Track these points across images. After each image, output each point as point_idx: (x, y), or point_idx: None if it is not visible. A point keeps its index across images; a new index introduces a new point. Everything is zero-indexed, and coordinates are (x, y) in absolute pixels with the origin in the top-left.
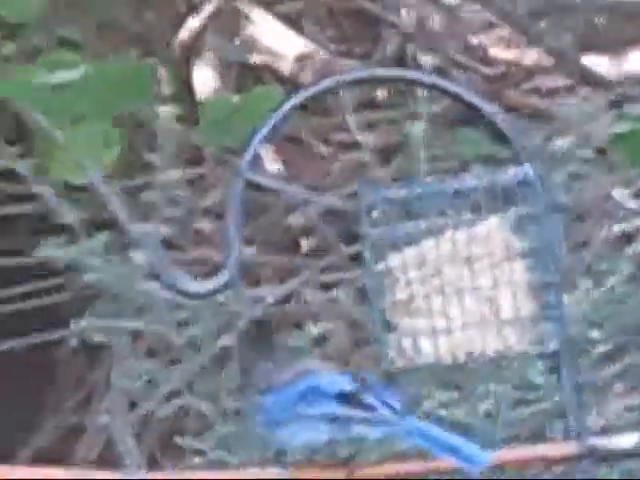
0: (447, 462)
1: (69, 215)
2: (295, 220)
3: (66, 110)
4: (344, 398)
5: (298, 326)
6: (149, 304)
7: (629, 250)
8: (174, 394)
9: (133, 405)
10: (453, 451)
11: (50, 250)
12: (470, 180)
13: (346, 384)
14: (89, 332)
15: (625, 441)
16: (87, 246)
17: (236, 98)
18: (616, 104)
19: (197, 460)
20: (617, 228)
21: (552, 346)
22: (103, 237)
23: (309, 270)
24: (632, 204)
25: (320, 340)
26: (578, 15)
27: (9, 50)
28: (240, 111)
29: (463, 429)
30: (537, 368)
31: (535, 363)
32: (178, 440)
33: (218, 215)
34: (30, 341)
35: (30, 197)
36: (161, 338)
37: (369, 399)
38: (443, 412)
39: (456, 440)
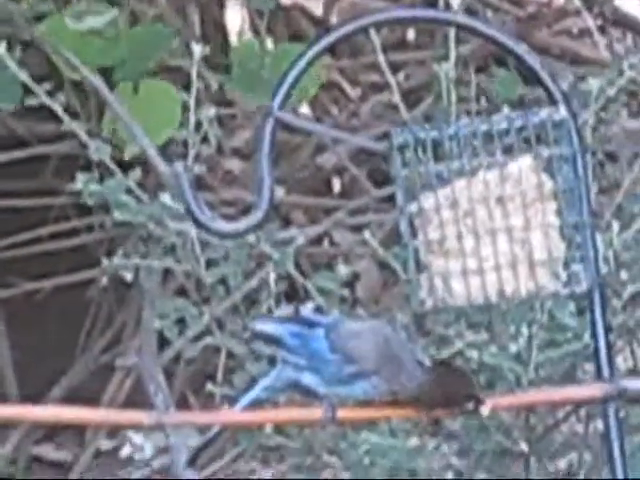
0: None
1: (101, 153)
2: (326, 160)
3: (99, 57)
4: None
5: (329, 267)
6: (179, 243)
7: None
8: (204, 334)
9: (163, 345)
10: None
11: (82, 185)
12: (501, 121)
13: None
14: (120, 271)
15: None
16: (119, 184)
17: (270, 45)
18: None
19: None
20: None
21: (583, 287)
22: (134, 175)
23: (340, 211)
24: None
25: (350, 282)
26: None
27: None
28: (273, 61)
29: (492, 370)
30: (568, 309)
31: (566, 304)
32: (208, 385)
33: (248, 156)
34: (60, 281)
35: (61, 136)
36: (191, 277)
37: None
38: (473, 353)
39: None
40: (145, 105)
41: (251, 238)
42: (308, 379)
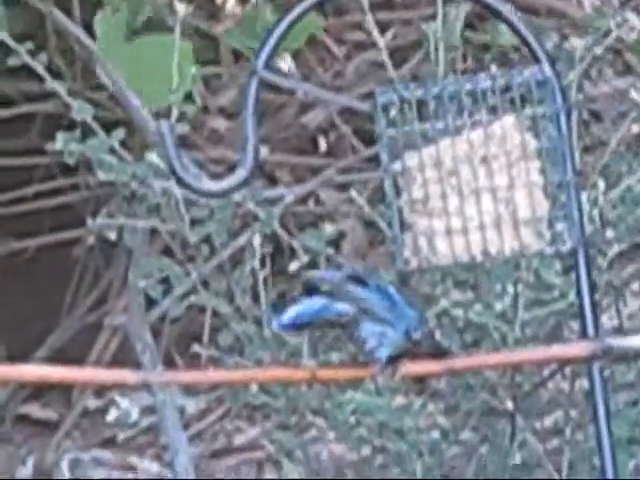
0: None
1: (84, 112)
2: (310, 120)
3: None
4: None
5: (314, 226)
6: (164, 202)
7: None
8: (189, 293)
9: (150, 305)
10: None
11: (62, 144)
12: (486, 80)
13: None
14: (105, 231)
15: None
16: (101, 143)
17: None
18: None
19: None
20: (634, 128)
21: (568, 246)
22: (119, 135)
23: (326, 170)
24: None
25: (336, 240)
26: None
27: None
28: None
29: (478, 329)
30: (553, 268)
31: (551, 263)
32: (195, 346)
33: (234, 115)
34: (46, 240)
35: (47, 95)
36: (176, 237)
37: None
38: (459, 312)
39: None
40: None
41: (237, 197)
42: (390, 333)
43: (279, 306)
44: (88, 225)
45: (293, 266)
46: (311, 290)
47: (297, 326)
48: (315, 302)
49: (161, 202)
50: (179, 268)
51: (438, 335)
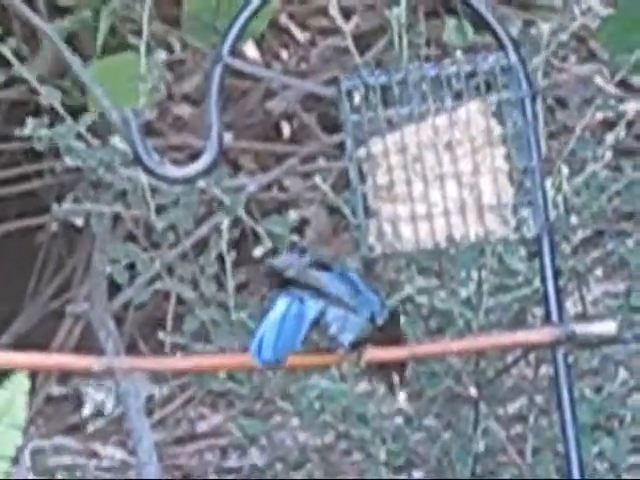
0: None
1: (53, 98)
2: (275, 106)
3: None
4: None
5: (278, 212)
6: (129, 189)
7: (610, 137)
8: (154, 279)
9: (113, 292)
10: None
11: (31, 130)
12: (451, 66)
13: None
14: (70, 217)
15: (604, 327)
16: (69, 129)
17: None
18: None
19: (177, 349)
20: (598, 115)
21: (532, 232)
22: (86, 120)
23: (290, 157)
24: (614, 91)
25: (300, 226)
26: None
27: None
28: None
29: (443, 315)
30: (518, 254)
31: (516, 249)
32: (159, 333)
33: (198, 101)
34: (10, 227)
35: (11, 82)
36: (139, 223)
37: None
38: (423, 298)
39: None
40: (107, 75)
41: (202, 184)
42: (353, 318)
43: (253, 326)
44: (54, 211)
45: (257, 252)
46: (275, 279)
47: (280, 361)
48: (285, 311)
49: (127, 188)
50: (145, 254)
51: (402, 321)
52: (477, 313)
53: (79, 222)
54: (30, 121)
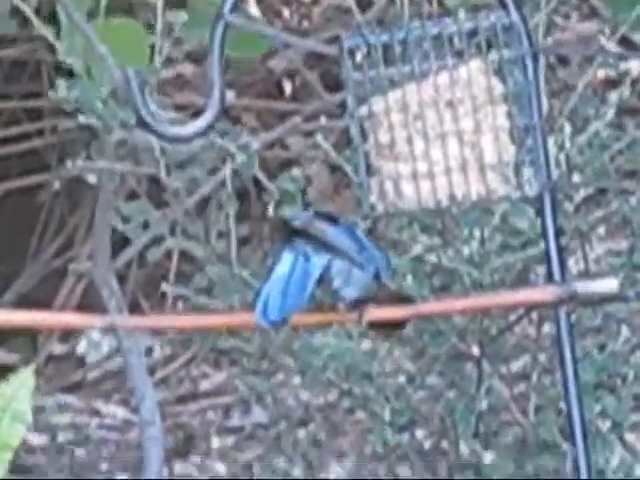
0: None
1: (73, 53)
2: (276, 64)
3: None
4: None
5: (280, 170)
6: (140, 147)
7: (614, 95)
8: (159, 238)
9: (116, 250)
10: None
11: (65, 91)
12: (452, 24)
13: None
14: (82, 173)
15: (607, 285)
16: (95, 88)
17: None
18: None
19: (180, 306)
20: (601, 73)
21: (534, 190)
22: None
23: (292, 115)
24: (616, 49)
25: (302, 185)
26: None
27: None
28: None
29: (447, 274)
30: (520, 213)
31: (518, 208)
32: (163, 286)
33: (200, 59)
34: (11, 185)
35: (10, 40)
36: (141, 181)
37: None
38: (427, 257)
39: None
40: (112, 40)
41: (206, 141)
42: (358, 274)
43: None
44: (67, 167)
45: (270, 209)
46: (282, 231)
47: (286, 321)
48: (290, 269)
49: (140, 146)
50: (156, 211)
51: (409, 280)
52: (481, 272)
53: (92, 179)
54: (62, 82)
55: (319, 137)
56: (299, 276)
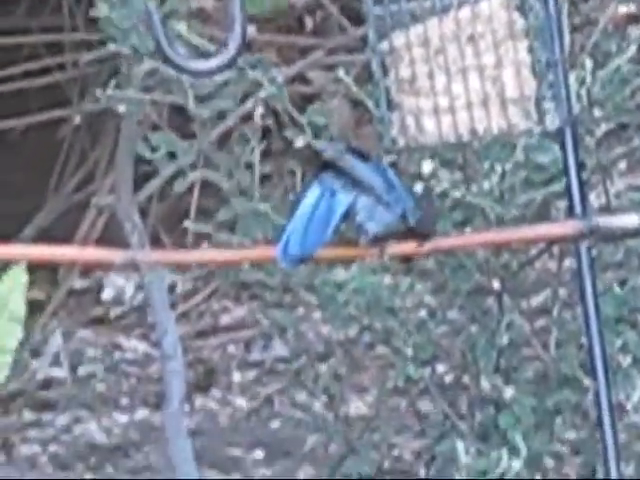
0: None
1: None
2: None
3: None
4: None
5: (301, 105)
6: (169, 77)
7: (636, 31)
8: (183, 170)
9: (138, 184)
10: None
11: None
12: None
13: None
14: (112, 103)
15: (628, 220)
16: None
17: None
18: None
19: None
20: (622, 8)
21: (555, 125)
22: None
23: (313, 50)
24: None
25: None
26: None
27: None
28: None
29: (468, 208)
30: (543, 148)
31: (542, 143)
32: (185, 223)
33: None
34: (32, 120)
35: None
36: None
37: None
38: (450, 192)
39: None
40: None
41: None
42: (383, 211)
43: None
44: (98, 96)
45: (299, 142)
46: (313, 163)
47: (306, 257)
48: (314, 205)
49: (169, 77)
50: (184, 142)
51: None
52: (504, 207)
53: (122, 109)
54: (103, 5)
55: (340, 72)
56: (323, 212)
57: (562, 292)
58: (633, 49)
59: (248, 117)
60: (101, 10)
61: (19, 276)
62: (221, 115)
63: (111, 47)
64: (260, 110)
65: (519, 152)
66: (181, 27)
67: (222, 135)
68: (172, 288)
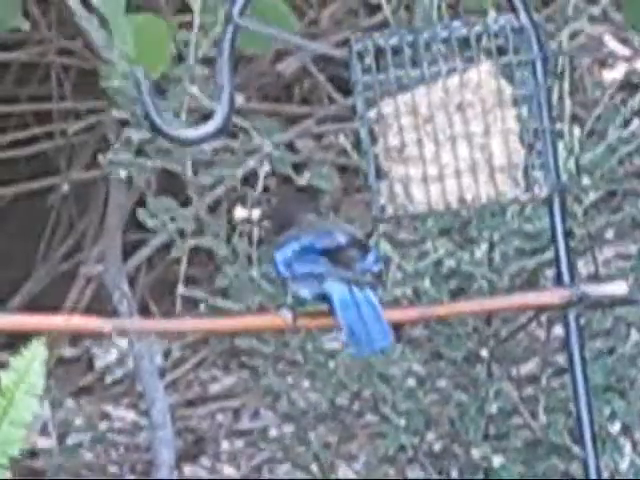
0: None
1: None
2: (286, 67)
3: None
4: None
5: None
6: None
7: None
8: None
9: (127, 253)
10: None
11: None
12: (461, 28)
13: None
14: (112, 168)
15: (616, 288)
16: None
17: None
18: None
19: (197, 308)
20: (607, 75)
21: (543, 193)
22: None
23: (301, 119)
24: (624, 51)
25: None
26: None
27: None
28: None
29: (461, 277)
30: (530, 215)
31: (536, 212)
32: (179, 289)
33: (209, 61)
34: (21, 189)
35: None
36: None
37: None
38: (450, 262)
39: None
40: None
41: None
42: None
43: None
44: (99, 161)
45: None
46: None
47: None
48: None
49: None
50: (182, 209)
51: (427, 283)
52: (499, 275)
53: (122, 174)
54: (116, 72)
55: (330, 139)
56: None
57: (551, 360)
58: (620, 119)
59: (245, 181)
60: (113, 81)
61: (39, 350)
62: (218, 181)
63: (114, 113)
64: (266, 168)
65: (511, 220)
66: (194, 90)
67: (213, 200)
68: (168, 356)
